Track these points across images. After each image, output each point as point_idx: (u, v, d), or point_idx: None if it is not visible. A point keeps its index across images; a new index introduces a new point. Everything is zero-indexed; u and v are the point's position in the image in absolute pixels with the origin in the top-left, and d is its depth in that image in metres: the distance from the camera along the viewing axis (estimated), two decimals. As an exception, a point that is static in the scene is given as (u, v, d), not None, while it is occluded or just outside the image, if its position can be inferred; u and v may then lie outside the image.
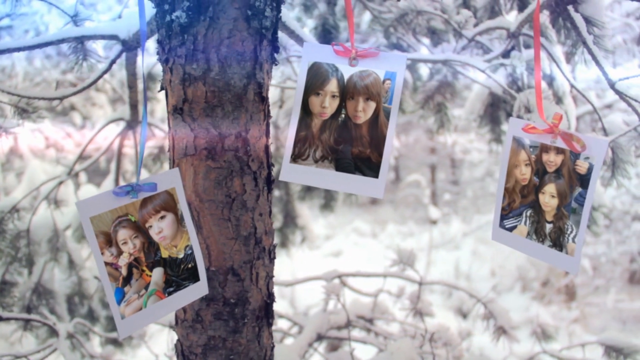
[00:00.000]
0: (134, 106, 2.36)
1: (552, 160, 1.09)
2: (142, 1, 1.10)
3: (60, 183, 2.54)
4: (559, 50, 2.08)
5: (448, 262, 9.26)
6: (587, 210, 1.06)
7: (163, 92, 1.21)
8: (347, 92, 1.14)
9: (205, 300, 1.20)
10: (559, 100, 2.27)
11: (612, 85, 1.46)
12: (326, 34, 2.89)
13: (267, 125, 1.21)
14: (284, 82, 2.97)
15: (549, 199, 1.11)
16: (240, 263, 1.19)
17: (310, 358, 2.36)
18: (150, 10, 1.26)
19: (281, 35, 1.70)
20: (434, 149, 12.31)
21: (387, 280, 2.61)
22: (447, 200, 12.46)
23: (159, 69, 3.30)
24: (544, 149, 1.10)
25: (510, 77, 2.24)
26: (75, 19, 1.86)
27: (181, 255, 1.14)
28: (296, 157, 1.16)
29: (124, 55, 1.95)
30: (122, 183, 3.28)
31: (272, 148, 1.27)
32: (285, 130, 3.18)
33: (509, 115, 2.60)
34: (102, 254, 1.04)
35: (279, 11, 1.17)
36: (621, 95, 1.45)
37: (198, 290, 1.17)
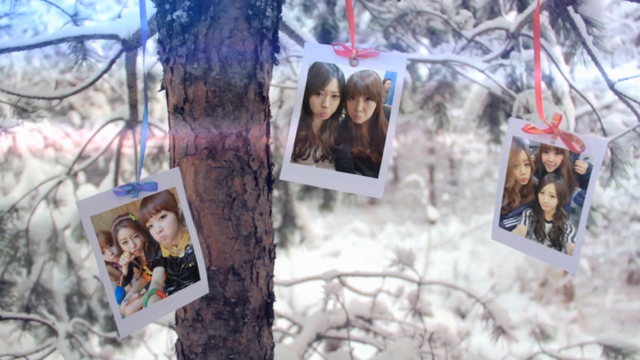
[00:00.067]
0: (133, 106, 2.36)
1: (552, 161, 1.10)
2: (143, 1, 1.10)
3: (60, 183, 2.53)
4: (558, 51, 2.08)
5: (446, 262, 9.27)
6: (586, 210, 1.06)
7: (163, 91, 1.21)
8: (347, 92, 1.14)
9: (205, 299, 1.20)
10: (558, 100, 2.27)
11: (611, 86, 1.46)
12: (326, 34, 2.89)
13: (268, 125, 1.21)
14: (284, 82, 2.97)
15: (548, 198, 1.11)
16: (241, 262, 1.19)
17: (309, 358, 2.36)
18: (150, 9, 1.26)
19: (281, 35, 1.70)
20: (432, 149, 12.33)
21: (386, 280, 2.61)
22: (446, 201, 12.47)
23: (158, 68, 3.30)
24: (544, 149, 1.11)
25: (509, 77, 2.24)
26: (75, 18, 1.86)
27: (182, 255, 1.14)
28: (297, 157, 1.16)
29: (123, 54, 1.95)
30: (121, 183, 3.28)
31: (271, 148, 1.27)
32: (284, 130, 3.19)
33: (508, 115, 2.61)
34: (103, 253, 1.04)
35: (280, 11, 1.17)
36: (620, 95, 1.46)
37: (198, 289, 1.17)
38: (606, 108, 4.63)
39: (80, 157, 2.65)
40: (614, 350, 2.22)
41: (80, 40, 1.63)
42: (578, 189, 1.07)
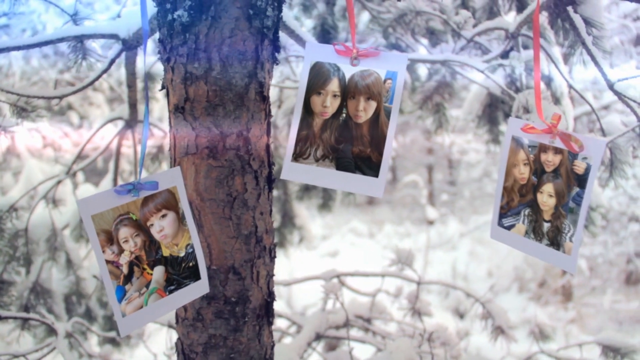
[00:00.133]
0: (133, 105, 2.36)
1: (551, 160, 1.10)
2: (144, 0, 1.10)
3: (59, 182, 2.53)
4: (557, 51, 2.09)
5: (445, 262, 9.28)
6: (585, 210, 1.07)
7: (162, 91, 1.21)
8: (348, 91, 1.14)
9: (206, 298, 1.20)
10: (557, 100, 2.28)
11: (610, 86, 1.47)
12: (325, 34, 2.89)
13: (268, 124, 1.21)
14: (283, 82, 2.97)
15: (547, 198, 1.12)
16: (241, 262, 1.20)
17: (309, 357, 2.36)
18: (150, 9, 1.26)
19: (280, 34, 1.70)
20: (431, 149, 12.33)
21: (385, 280, 2.61)
22: (445, 201, 12.48)
23: (157, 68, 3.30)
24: (543, 148, 1.11)
25: (508, 77, 2.25)
26: (74, 17, 1.86)
27: (182, 254, 1.14)
28: (297, 156, 1.17)
29: (123, 54, 1.95)
30: (120, 182, 3.28)
31: (271, 147, 1.27)
32: (283, 129, 3.19)
33: (507, 115, 2.61)
34: (103, 252, 1.04)
35: (281, 10, 1.17)
36: (620, 95, 1.46)
37: (199, 288, 1.17)
38: (605, 109, 4.63)
39: (79, 156, 2.65)
40: (613, 350, 2.22)
41: (80, 39, 1.63)
42: (576, 189, 1.07)
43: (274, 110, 3.27)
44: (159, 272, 1.11)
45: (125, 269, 1.07)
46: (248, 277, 1.21)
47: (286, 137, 3.18)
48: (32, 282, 2.54)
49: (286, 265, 7.48)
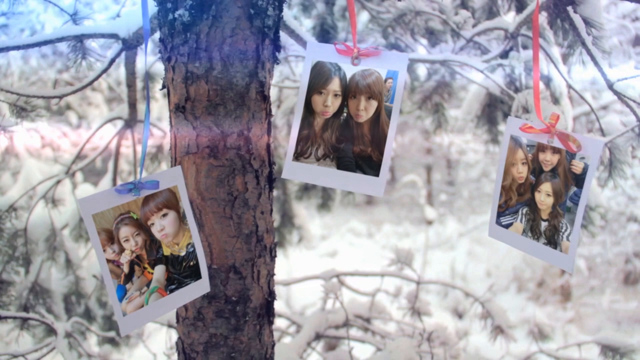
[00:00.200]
0: (132, 105, 2.35)
1: (549, 160, 1.11)
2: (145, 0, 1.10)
3: (58, 182, 2.53)
4: (556, 52, 2.09)
5: (444, 262, 9.29)
6: (582, 209, 1.07)
7: (161, 90, 1.21)
8: (349, 90, 1.14)
9: (206, 298, 1.20)
10: (556, 100, 2.28)
11: (610, 86, 1.47)
12: (324, 34, 2.89)
13: (269, 123, 1.22)
14: (282, 82, 2.97)
15: (544, 197, 1.12)
16: (242, 261, 1.20)
17: (308, 357, 2.36)
18: (151, 8, 1.26)
19: (281, 34, 1.70)
20: (430, 149, 12.34)
21: (384, 280, 2.62)
22: (443, 201, 12.49)
23: (157, 68, 3.29)
24: (541, 148, 1.12)
25: (508, 77, 2.25)
26: (74, 17, 1.86)
27: (183, 253, 1.14)
28: (298, 155, 1.17)
29: (122, 54, 1.95)
30: (119, 182, 3.27)
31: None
32: (283, 129, 3.19)
33: (506, 115, 2.62)
34: (104, 251, 1.04)
35: (281, 10, 1.17)
36: (619, 95, 1.46)
37: (200, 288, 1.17)
38: (603, 109, 4.65)
39: (79, 156, 2.64)
40: (612, 350, 2.22)
41: (79, 39, 1.63)
42: (574, 188, 1.08)
43: (273, 110, 3.27)
44: (159, 271, 1.11)
45: (126, 268, 1.07)
46: (249, 276, 1.21)
47: (285, 136, 3.19)
48: (31, 282, 2.53)
49: (285, 265, 7.49)
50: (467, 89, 3.52)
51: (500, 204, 1.20)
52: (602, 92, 4.65)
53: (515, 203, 1.17)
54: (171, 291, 1.13)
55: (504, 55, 2.00)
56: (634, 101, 1.46)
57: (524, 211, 1.16)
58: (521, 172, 1.15)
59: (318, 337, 2.25)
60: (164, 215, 1.11)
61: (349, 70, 1.14)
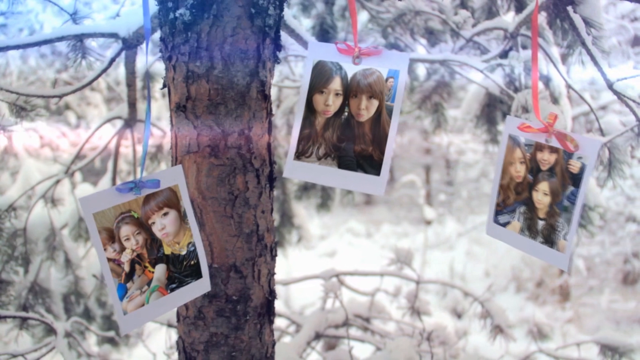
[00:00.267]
0: (132, 104, 2.35)
1: (546, 159, 1.11)
2: (146, -1, 1.10)
3: (57, 182, 2.53)
4: (555, 52, 2.09)
5: (443, 262, 9.30)
6: (579, 208, 1.08)
7: (161, 90, 1.21)
8: (350, 90, 1.15)
9: (207, 297, 1.20)
10: (555, 100, 2.28)
11: (610, 86, 1.47)
12: (324, 34, 2.89)
13: (270, 123, 1.22)
14: (282, 82, 2.97)
15: (542, 196, 1.13)
16: (243, 260, 1.20)
17: (308, 357, 2.36)
18: (151, 7, 1.26)
19: (281, 33, 1.70)
20: (429, 149, 12.35)
21: (384, 280, 2.62)
22: (442, 201, 12.50)
23: (157, 67, 3.29)
24: (539, 147, 1.12)
25: (507, 77, 2.26)
26: (74, 17, 1.86)
27: (184, 252, 1.14)
28: (300, 155, 1.17)
29: (122, 53, 1.95)
30: (118, 182, 3.27)
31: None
32: (282, 129, 3.19)
33: (505, 115, 2.62)
34: (105, 250, 1.04)
35: (282, 9, 1.17)
36: (619, 95, 1.47)
37: (200, 287, 1.17)
38: (602, 109, 4.65)
39: (78, 156, 2.64)
40: (611, 350, 2.23)
41: (79, 38, 1.63)
42: (571, 188, 1.09)
43: (272, 109, 3.27)
44: (160, 270, 1.11)
45: (126, 267, 1.07)
46: (249, 275, 1.21)
47: (285, 136, 3.19)
48: (30, 282, 2.53)
49: (284, 264, 7.49)
50: (466, 89, 3.53)
51: (498, 202, 1.20)
52: (601, 92, 4.66)
53: (513, 202, 1.18)
54: (172, 290, 1.13)
55: (504, 55, 2.00)
56: (634, 101, 1.46)
57: (522, 210, 1.17)
58: (519, 171, 1.16)
59: (318, 336, 2.25)
60: (165, 214, 1.11)
61: (350, 69, 1.14)
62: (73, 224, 2.83)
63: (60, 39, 1.53)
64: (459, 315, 6.82)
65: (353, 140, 1.15)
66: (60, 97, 1.69)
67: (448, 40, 2.55)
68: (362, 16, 3.22)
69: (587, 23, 1.55)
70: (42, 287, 2.59)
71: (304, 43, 1.55)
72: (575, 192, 1.08)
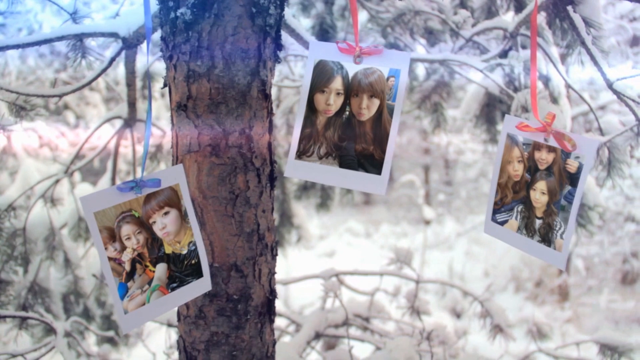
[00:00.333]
0: (132, 104, 2.35)
1: (544, 158, 1.12)
2: (147, -2, 1.10)
3: (57, 181, 2.53)
4: (555, 51, 2.10)
5: (442, 262, 9.30)
6: (576, 208, 1.09)
7: (160, 90, 1.21)
8: (351, 89, 1.15)
9: (208, 296, 1.20)
10: (554, 100, 2.29)
11: (610, 85, 1.47)
12: (323, 34, 2.89)
13: (270, 122, 1.22)
14: (281, 81, 2.97)
15: (539, 195, 1.14)
16: (244, 259, 1.20)
17: (308, 356, 2.36)
18: (152, 7, 1.26)
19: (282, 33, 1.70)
20: (428, 149, 12.35)
21: (383, 280, 2.62)
22: (441, 201, 12.51)
23: (157, 67, 3.28)
24: (537, 146, 1.13)
25: (507, 77, 2.26)
26: (74, 16, 1.86)
27: (185, 251, 1.14)
28: (301, 154, 1.17)
29: (122, 52, 1.95)
30: (118, 182, 3.27)
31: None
32: (282, 129, 3.19)
33: (504, 115, 2.62)
34: (106, 249, 1.04)
35: (283, 9, 1.17)
36: (619, 95, 1.47)
37: (201, 286, 1.17)
38: (601, 109, 4.66)
39: (77, 156, 2.64)
40: (610, 349, 2.23)
41: (79, 38, 1.63)
42: (568, 187, 1.09)
43: (272, 109, 3.27)
44: (161, 270, 1.12)
45: (127, 266, 1.07)
46: (250, 274, 1.21)
47: (285, 136, 3.19)
48: (30, 282, 2.53)
49: (283, 264, 7.49)
50: (465, 88, 3.53)
51: (496, 201, 1.21)
52: (600, 92, 4.67)
53: (511, 200, 1.18)
54: (172, 289, 1.13)
55: (503, 54, 2.01)
56: (633, 100, 1.46)
57: (519, 209, 1.17)
58: (517, 170, 1.17)
59: (318, 336, 2.25)
60: (166, 213, 1.11)
61: (351, 68, 1.14)
62: (72, 223, 2.83)
63: (60, 38, 1.53)
64: (458, 315, 6.83)
65: (354, 139, 1.15)
66: (60, 96, 1.69)
67: (447, 40, 2.55)
68: (362, 16, 3.22)
69: (587, 23, 1.55)
70: (42, 286, 2.58)
71: (304, 43, 1.55)
72: (573, 191, 1.08)
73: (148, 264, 1.10)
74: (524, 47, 2.22)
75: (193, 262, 1.15)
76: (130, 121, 2.45)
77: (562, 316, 7.21)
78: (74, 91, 1.68)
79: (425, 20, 2.48)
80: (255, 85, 1.14)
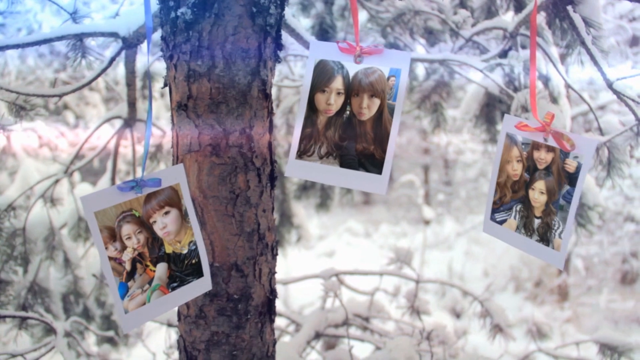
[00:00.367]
0: (132, 104, 2.35)
1: (543, 158, 1.12)
2: (147, -2, 1.10)
3: (57, 181, 2.53)
4: (554, 51, 2.10)
5: (441, 262, 9.31)
6: (574, 207, 1.09)
7: (160, 90, 1.21)
8: (352, 89, 1.15)
9: (208, 296, 1.20)
10: (554, 100, 2.29)
11: (609, 85, 1.48)
12: (323, 34, 2.89)
13: (271, 122, 1.22)
14: (281, 81, 2.97)
15: (538, 195, 1.14)
16: (244, 259, 1.20)
17: (307, 356, 2.36)
18: (152, 6, 1.26)
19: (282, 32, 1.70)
20: (427, 149, 12.36)
21: (383, 280, 2.62)
22: (441, 201, 12.52)
23: (157, 67, 3.28)
24: (535, 146, 1.13)
25: (507, 77, 2.26)
26: (74, 16, 1.86)
27: (185, 251, 1.14)
28: (301, 154, 1.17)
29: (122, 52, 1.95)
30: (117, 182, 3.26)
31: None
32: (282, 128, 3.19)
33: (504, 115, 2.62)
34: (106, 248, 1.04)
35: (283, 8, 1.17)
36: (619, 95, 1.47)
37: (202, 285, 1.17)
38: (601, 109, 4.66)
39: (77, 155, 2.64)
40: (610, 349, 2.23)
41: (79, 38, 1.63)
42: (567, 187, 1.10)
43: (271, 109, 3.26)
44: (161, 269, 1.12)
45: (128, 266, 1.07)
46: (250, 274, 1.21)
47: (284, 136, 3.19)
48: (29, 282, 2.53)
49: (283, 264, 7.49)
50: (465, 88, 3.53)
51: (495, 200, 1.22)
52: (600, 92, 4.67)
53: (510, 200, 1.19)
54: (173, 289, 1.13)
55: (503, 54, 2.01)
56: (633, 100, 1.46)
57: (518, 208, 1.18)
58: (516, 169, 1.17)
59: (318, 335, 2.25)
60: (166, 213, 1.11)
61: (352, 68, 1.15)
62: (72, 223, 2.83)
63: (60, 38, 1.53)
64: (458, 314, 6.83)
65: (355, 139, 1.15)
66: (60, 96, 1.69)
67: (447, 40, 2.55)
68: (362, 16, 3.22)
69: (587, 23, 1.56)
70: (42, 286, 2.58)
71: (304, 42, 1.55)
72: (572, 191, 1.09)
73: (148, 263, 1.10)
74: (523, 47, 2.22)
75: (193, 261, 1.15)
76: (130, 121, 2.45)
77: (561, 316, 7.22)
78: (74, 91, 1.68)
79: (425, 20, 2.48)
80: (255, 85, 1.14)
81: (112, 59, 1.62)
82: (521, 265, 8.38)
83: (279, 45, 1.19)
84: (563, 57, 1.95)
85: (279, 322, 3.09)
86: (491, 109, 2.71)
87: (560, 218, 1.11)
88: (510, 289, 8.43)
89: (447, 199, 12.48)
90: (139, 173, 2.87)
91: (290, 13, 1.56)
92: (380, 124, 1.14)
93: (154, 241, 1.10)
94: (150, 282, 1.10)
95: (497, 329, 2.41)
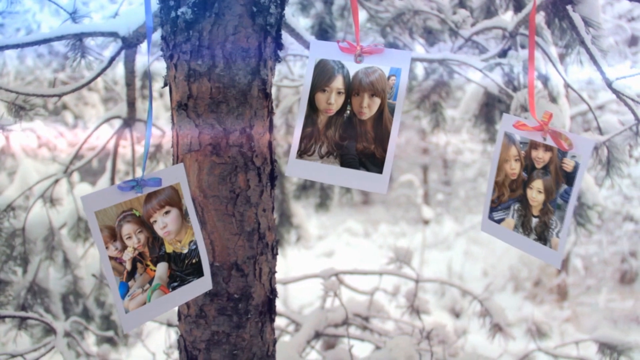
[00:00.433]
0: (131, 104, 2.35)
1: (541, 157, 1.13)
2: (147, -3, 1.10)
3: (56, 181, 2.52)
4: (554, 51, 2.10)
5: (440, 262, 9.32)
6: (571, 207, 1.09)
7: (162, 88, 1.21)
8: (352, 88, 1.15)
9: (209, 295, 1.20)
10: (553, 100, 2.29)
11: (609, 85, 1.48)
12: (323, 33, 2.89)
13: (271, 121, 1.22)
14: (281, 81, 2.97)
15: (536, 194, 1.14)
16: (244, 258, 1.20)
17: (307, 356, 2.36)
18: (152, 6, 1.26)
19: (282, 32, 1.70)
20: (426, 149, 12.36)
21: (382, 279, 2.62)
22: (440, 201, 12.53)
23: (157, 66, 3.27)
24: (533, 145, 1.14)
25: (506, 76, 2.26)
26: (73, 16, 1.86)
27: (185, 251, 1.14)
28: (302, 153, 1.17)
29: (122, 52, 1.95)
30: (117, 182, 3.26)
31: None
32: (281, 128, 3.19)
33: (503, 114, 2.62)
34: (107, 248, 1.04)
35: (283, 8, 1.17)
36: (618, 94, 1.47)
37: (202, 285, 1.17)
38: (599, 108, 4.67)
39: (76, 156, 2.64)
40: (610, 348, 2.23)
41: (79, 37, 1.63)
42: (565, 186, 1.10)
43: (271, 109, 3.26)
44: (162, 269, 1.12)
45: (128, 265, 1.07)
46: (251, 273, 1.21)
47: (284, 135, 3.19)
48: (29, 282, 2.53)
49: (283, 264, 7.49)
50: (464, 88, 3.53)
51: (493, 199, 1.22)
52: (599, 92, 4.68)
53: (508, 199, 1.19)
54: (173, 288, 1.13)
55: (503, 54, 2.01)
56: (633, 99, 1.47)
57: (516, 207, 1.18)
58: (514, 168, 1.17)
59: (317, 335, 2.25)
60: (167, 212, 1.11)
61: (352, 67, 1.15)
62: (72, 223, 2.82)
63: (60, 38, 1.53)
64: (457, 314, 6.84)
65: (355, 138, 1.15)
66: (60, 96, 1.69)
67: (447, 40, 2.56)
68: (361, 16, 3.22)
69: (586, 22, 1.56)
70: (41, 287, 2.58)
71: (303, 42, 1.55)
72: (569, 190, 1.09)
73: (149, 263, 1.10)
74: (523, 47, 2.22)
75: (194, 261, 1.15)
76: (129, 121, 2.45)
77: (561, 315, 7.22)
78: (73, 91, 1.68)
79: (425, 19, 2.48)
80: (255, 85, 1.14)
81: (112, 59, 1.62)
82: (520, 265, 8.39)
83: (279, 45, 1.19)
84: (562, 57, 1.96)
85: (279, 321, 3.09)
86: (490, 108, 2.72)
87: (558, 217, 1.11)
88: (509, 288, 8.44)
89: (446, 198, 12.49)
90: (138, 173, 2.87)
91: (290, 13, 1.56)
92: (381, 123, 1.14)
93: (155, 241, 1.10)
94: (150, 282, 1.10)
95: (497, 328, 2.41)
